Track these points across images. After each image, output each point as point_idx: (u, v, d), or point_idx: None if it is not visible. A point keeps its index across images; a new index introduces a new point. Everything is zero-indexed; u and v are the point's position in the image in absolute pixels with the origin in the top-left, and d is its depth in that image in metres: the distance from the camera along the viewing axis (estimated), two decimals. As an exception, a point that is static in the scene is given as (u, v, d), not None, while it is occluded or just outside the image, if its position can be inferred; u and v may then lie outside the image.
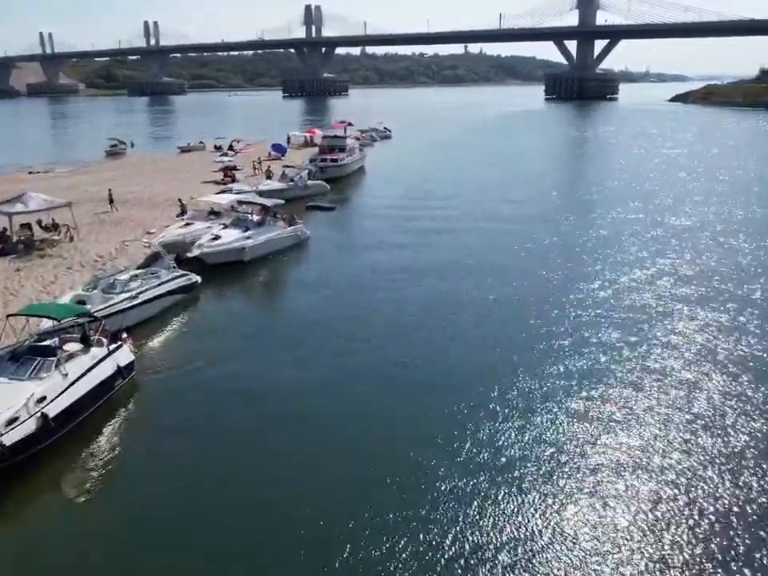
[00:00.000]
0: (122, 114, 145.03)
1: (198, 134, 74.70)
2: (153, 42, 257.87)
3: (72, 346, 14.98)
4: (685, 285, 22.99)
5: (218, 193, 33.27)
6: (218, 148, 63.63)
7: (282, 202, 29.08)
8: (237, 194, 32.09)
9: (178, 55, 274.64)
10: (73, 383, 13.60)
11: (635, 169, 51.54)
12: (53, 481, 12.62)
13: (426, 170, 51.23)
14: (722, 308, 20.67)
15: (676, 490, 11.86)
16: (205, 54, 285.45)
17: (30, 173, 50.06)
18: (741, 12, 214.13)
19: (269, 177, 42.10)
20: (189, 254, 23.91)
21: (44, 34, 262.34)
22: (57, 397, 13.07)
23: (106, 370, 14.78)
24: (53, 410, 12.85)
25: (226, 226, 26.34)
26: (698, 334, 18.72)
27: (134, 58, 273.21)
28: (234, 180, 42.23)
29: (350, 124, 62.21)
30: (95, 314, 16.22)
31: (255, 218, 27.69)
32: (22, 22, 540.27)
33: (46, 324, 15.69)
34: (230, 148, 61.78)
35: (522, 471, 12.41)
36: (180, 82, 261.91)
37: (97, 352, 14.81)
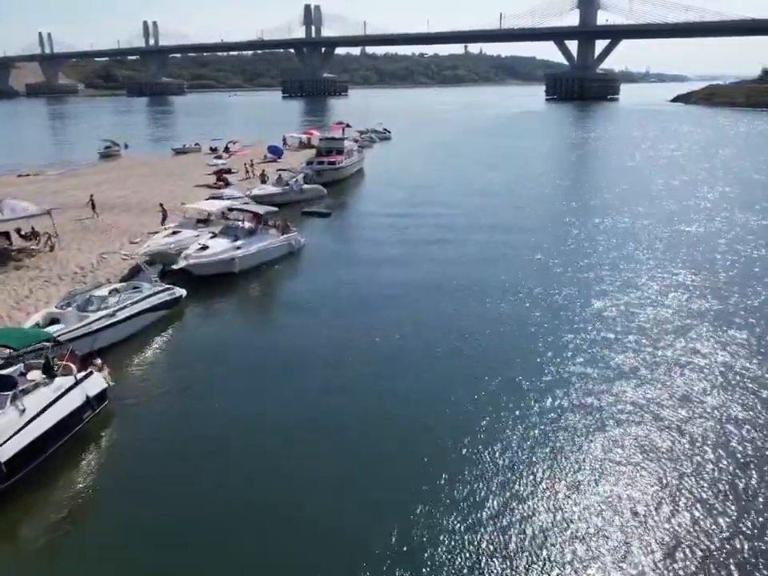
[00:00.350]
0: (119, 114, 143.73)
1: (196, 135, 73.72)
2: (152, 42, 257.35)
3: (37, 374, 13.56)
4: (703, 301, 21.52)
5: (209, 198, 31.81)
6: (213, 150, 62.24)
7: (275, 209, 27.53)
8: (228, 199, 30.65)
9: (178, 55, 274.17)
10: (31, 420, 12.15)
11: (642, 172, 50.09)
12: (6, 532, 11.20)
13: (426, 173, 49.80)
14: (743, 325, 19.25)
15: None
16: (204, 54, 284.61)
17: (19, 176, 48.58)
18: (742, 12, 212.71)
19: (263, 180, 40.74)
20: (174, 266, 22.46)
21: (43, 33, 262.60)
22: (11, 437, 11.64)
23: (72, 401, 13.32)
24: (6, 453, 11.42)
25: (214, 235, 24.82)
26: (720, 355, 17.27)
27: (134, 58, 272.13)
28: (227, 184, 40.80)
29: (347, 125, 60.79)
30: (61, 339, 14.76)
31: (247, 225, 26.26)
32: (21, 22, 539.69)
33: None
34: (226, 150, 60.41)
35: (532, 522, 11.01)
36: (179, 82, 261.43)
37: (62, 382, 13.35)
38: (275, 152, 54.28)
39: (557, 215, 34.23)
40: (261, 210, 26.42)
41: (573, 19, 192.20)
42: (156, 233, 27.53)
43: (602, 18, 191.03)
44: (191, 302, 21.53)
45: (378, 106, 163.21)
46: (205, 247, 23.60)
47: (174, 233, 25.48)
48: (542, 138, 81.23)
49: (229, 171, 45.37)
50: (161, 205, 30.12)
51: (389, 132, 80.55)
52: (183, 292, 20.86)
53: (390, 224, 32.36)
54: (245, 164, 46.23)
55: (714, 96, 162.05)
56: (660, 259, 26.20)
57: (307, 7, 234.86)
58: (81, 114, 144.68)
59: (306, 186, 38.64)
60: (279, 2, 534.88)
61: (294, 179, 39.02)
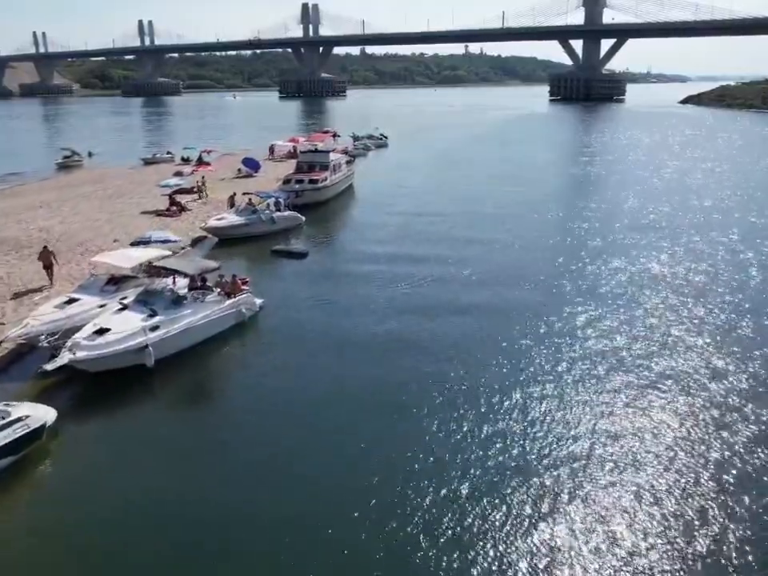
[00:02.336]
0: (110, 116, 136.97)
1: (183, 140, 67.07)
2: (147, 41, 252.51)
3: None
4: None
5: (135, 243, 24.08)
6: (185, 160, 55.03)
7: (215, 265, 19.58)
8: (157, 244, 23.05)
9: (176, 55, 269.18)
10: None
11: (683, 190, 42.22)
12: None
13: (428, 192, 41.62)
14: None
15: None
16: (202, 53, 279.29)
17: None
18: (751, 10, 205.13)
19: (232, 205, 32.84)
20: (48, 366, 14.85)
21: (37, 33, 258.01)
22: None
23: None
24: None
25: (124, 306, 17.27)
26: None
27: (130, 57, 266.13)
28: (182, 209, 33.24)
29: (335, 134, 52.97)
30: None
31: (181, 282, 18.71)
32: (15, 21, 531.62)
33: None
34: (200, 160, 53.04)
35: None
36: (175, 82, 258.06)
37: None
38: (251, 165, 46.67)
39: (593, 264, 25.46)
40: (192, 268, 18.54)
41: (577, 18, 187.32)
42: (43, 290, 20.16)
43: (608, 17, 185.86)
44: (71, 420, 14.06)
45: (376, 106, 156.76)
46: (103, 330, 16.02)
47: (70, 301, 17.83)
48: (554, 145, 73.74)
49: (190, 191, 37.70)
50: (45, 248, 22.11)
51: (385, 138, 72.93)
52: (49, 416, 13.35)
53: (383, 270, 24.36)
54: (196, 182, 38.50)
55: (726, 97, 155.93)
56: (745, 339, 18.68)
57: (305, 6, 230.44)
58: (69, 116, 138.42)
59: (279, 214, 31.00)
60: (277, 2, 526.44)
61: (266, 204, 31.56)
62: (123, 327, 16.10)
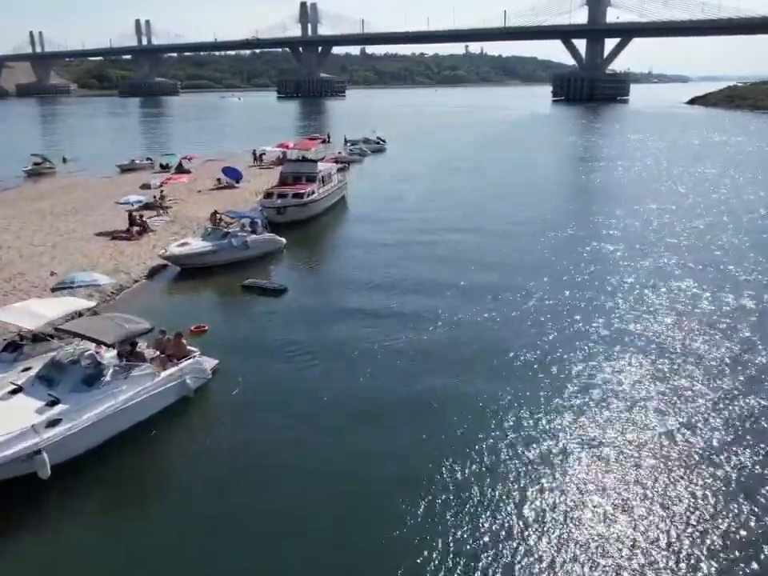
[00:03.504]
0: (105, 116, 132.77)
1: (170, 144, 62.65)
2: (145, 41, 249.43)
3: None
4: None
5: (59, 287, 19.46)
6: (164, 167, 50.78)
7: (147, 327, 14.48)
8: (75, 289, 18.50)
9: (174, 55, 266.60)
10: None
11: (711, 205, 37.72)
12: None
13: (430, 207, 36.56)
14: None
15: None
16: (201, 53, 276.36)
17: None
18: (760, 9, 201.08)
19: (215, 223, 27.82)
20: None
21: (34, 32, 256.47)
22: None
23: None
24: None
25: (17, 388, 12.77)
26: None
27: (128, 57, 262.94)
28: (144, 230, 28.70)
29: (325, 140, 48.23)
30: None
31: (101, 351, 14.15)
32: (12, 21, 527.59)
33: None
34: (179, 168, 48.78)
35: None
36: (173, 82, 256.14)
37: None
38: (232, 174, 42.20)
39: (635, 317, 19.98)
40: (111, 333, 13.55)
41: (580, 18, 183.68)
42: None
43: (612, 16, 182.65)
44: None
45: (376, 107, 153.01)
46: (-24, 429, 11.57)
47: (-49, 377, 13.41)
48: (565, 150, 69.12)
49: (159, 207, 33.13)
50: None
51: (383, 142, 68.48)
52: None
53: (378, 328, 18.85)
54: (154, 197, 34.01)
55: (735, 98, 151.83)
56: None
57: (303, 5, 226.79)
58: (63, 116, 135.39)
59: (254, 237, 26.43)
60: (275, 1, 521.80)
61: (241, 225, 27.09)
62: (7, 425, 11.58)
